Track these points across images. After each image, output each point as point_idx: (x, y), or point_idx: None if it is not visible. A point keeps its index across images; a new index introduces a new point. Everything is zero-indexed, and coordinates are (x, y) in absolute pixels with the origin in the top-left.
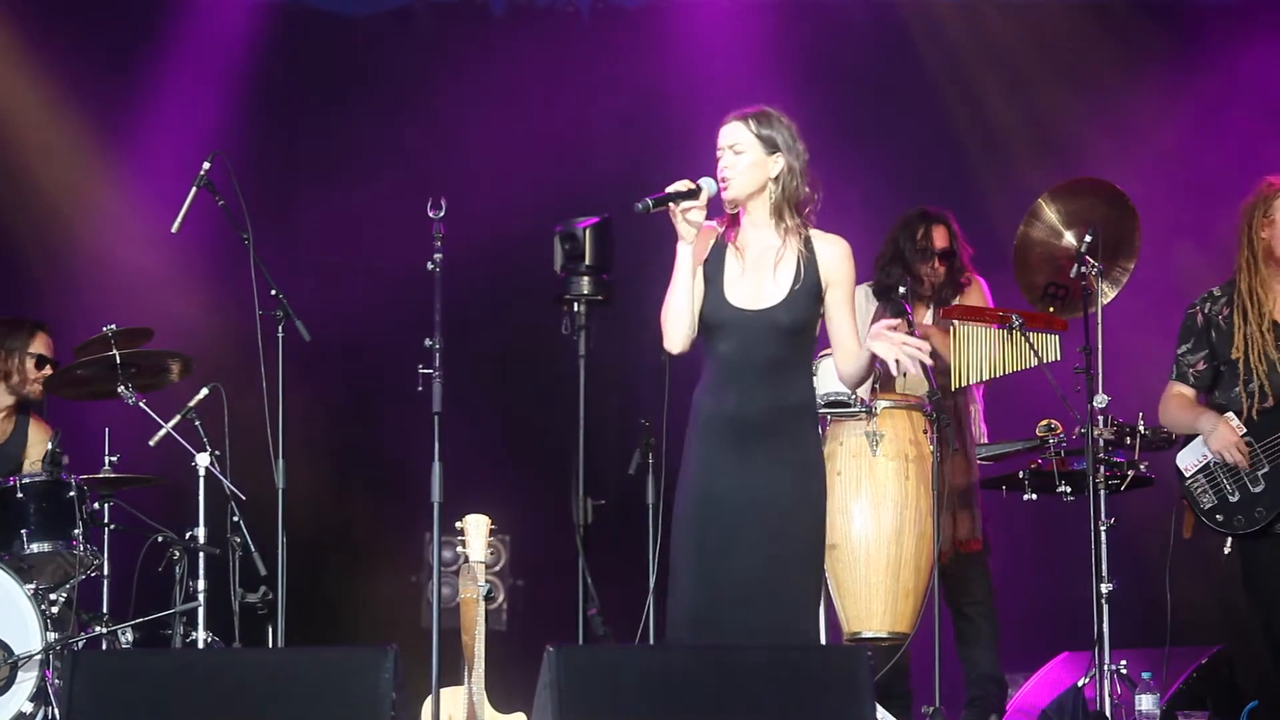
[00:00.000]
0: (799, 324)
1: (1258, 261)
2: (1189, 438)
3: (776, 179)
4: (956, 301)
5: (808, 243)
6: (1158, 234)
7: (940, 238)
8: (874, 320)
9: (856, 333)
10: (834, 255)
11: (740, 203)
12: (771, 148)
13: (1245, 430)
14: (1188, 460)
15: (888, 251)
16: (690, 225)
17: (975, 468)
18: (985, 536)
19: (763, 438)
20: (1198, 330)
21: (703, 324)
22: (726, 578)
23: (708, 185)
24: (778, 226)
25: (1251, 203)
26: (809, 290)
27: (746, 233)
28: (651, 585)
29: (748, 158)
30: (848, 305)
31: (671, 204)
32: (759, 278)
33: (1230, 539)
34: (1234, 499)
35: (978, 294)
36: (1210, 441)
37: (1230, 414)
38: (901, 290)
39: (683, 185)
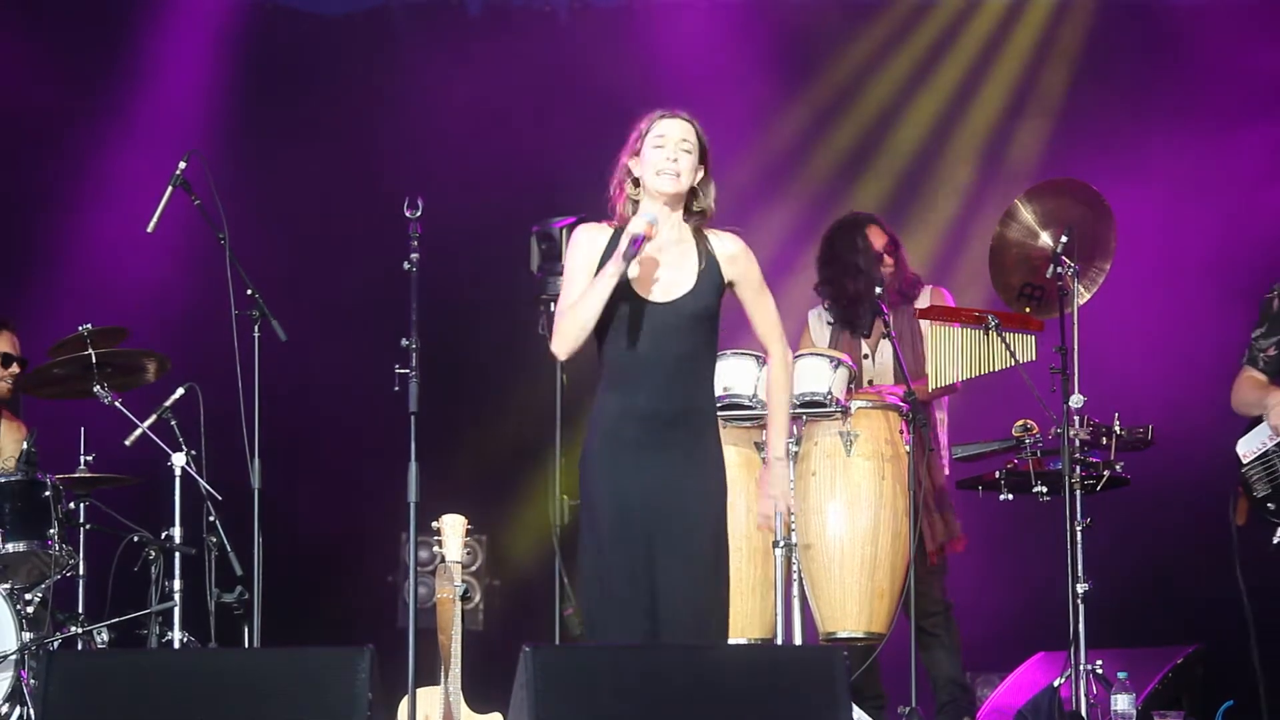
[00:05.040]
0: (708, 310)
1: None
2: (1250, 423)
3: (698, 186)
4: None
5: (705, 239)
6: (1134, 234)
7: (877, 237)
8: (832, 342)
9: (779, 323)
10: (733, 251)
11: (671, 198)
12: (702, 156)
13: None
14: (1247, 447)
15: (832, 263)
16: (634, 258)
17: (942, 470)
18: (940, 545)
19: (673, 436)
20: (1273, 315)
21: (612, 323)
22: (648, 587)
23: (654, 221)
24: (687, 229)
25: None
26: (713, 279)
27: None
28: None
29: (692, 159)
30: (761, 295)
31: (643, 245)
32: (665, 272)
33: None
34: None
35: (938, 298)
36: (1271, 415)
37: None
38: (878, 290)
39: (647, 228)
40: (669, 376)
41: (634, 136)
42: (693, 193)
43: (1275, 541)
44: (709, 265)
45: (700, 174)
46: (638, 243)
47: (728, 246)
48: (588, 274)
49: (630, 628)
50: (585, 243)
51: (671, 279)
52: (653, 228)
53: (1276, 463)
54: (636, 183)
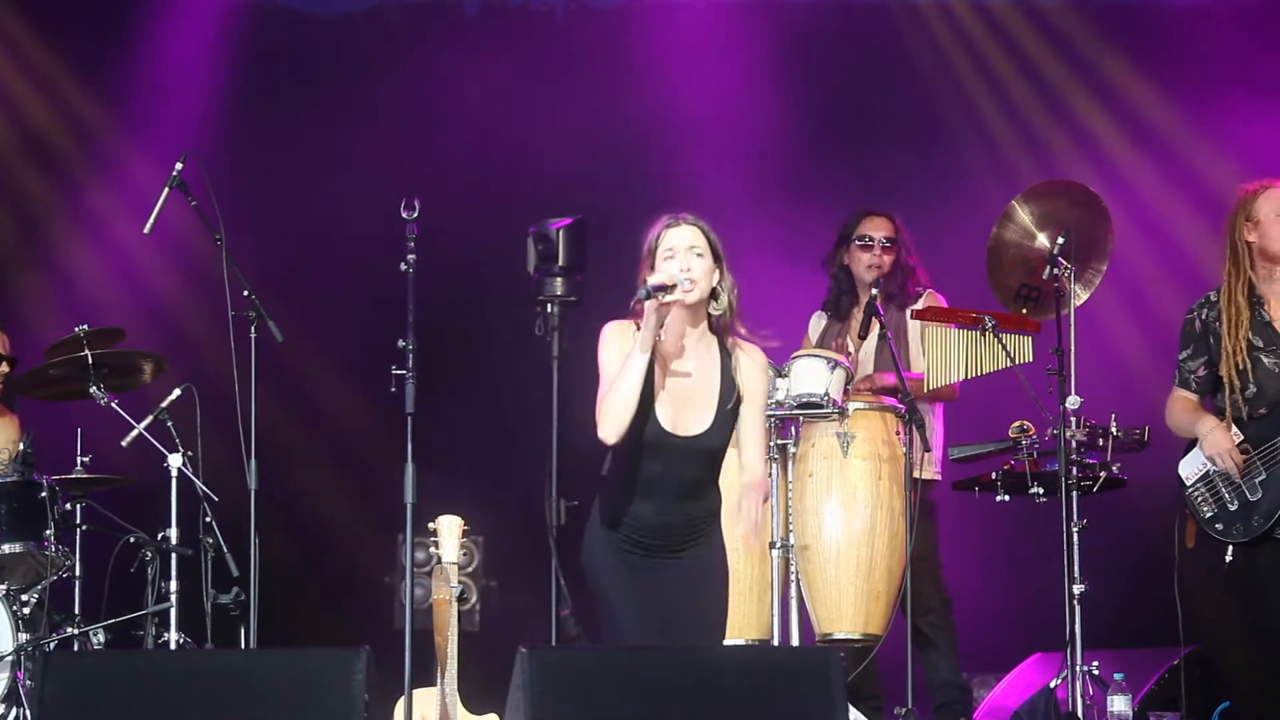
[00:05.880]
0: (722, 448)
1: (1240, 268)
2: (1189, 444)
3: (715, 293)
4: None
5: (728, 355)
6: (1130, 236)
7: (880, 227)
8: (821, 339)
9: (764, 448)
10: (752, 369)
11: (690, 309)
12: (717, 258)
13: (1242, 438)
14: (1189, 469)
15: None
16: (660, 323)
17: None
18: (935, 548)
19: (674, 549)
20: (1196, 336)
21: (630, 438)
22: (665, 624)
23: (680, 281)
24: (709, 339)
25: (1233, 211)
26: (732, 411)
27: (670, 342)
28: None
29: (706, 262)
30: (759, 418)
31: (659, 295)
32: (688, 400)
33: (1230, 548)
34: (1233, 508)
35: (932, 300)
36: (1204, 445)
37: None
38: (874, 292)
39: (669, 279)
40: (678, 496)
41: (645, 250)
42: (713, 294)
43: (1228, 560)
44: (729, 390)
45: (716, 275)
46: (658, 289)
47: (748, 362)
48: (621, 361)
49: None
50: (615, 337)
51: (692, 413)
52: (675, 281)
53: (1218, 483)
54: None
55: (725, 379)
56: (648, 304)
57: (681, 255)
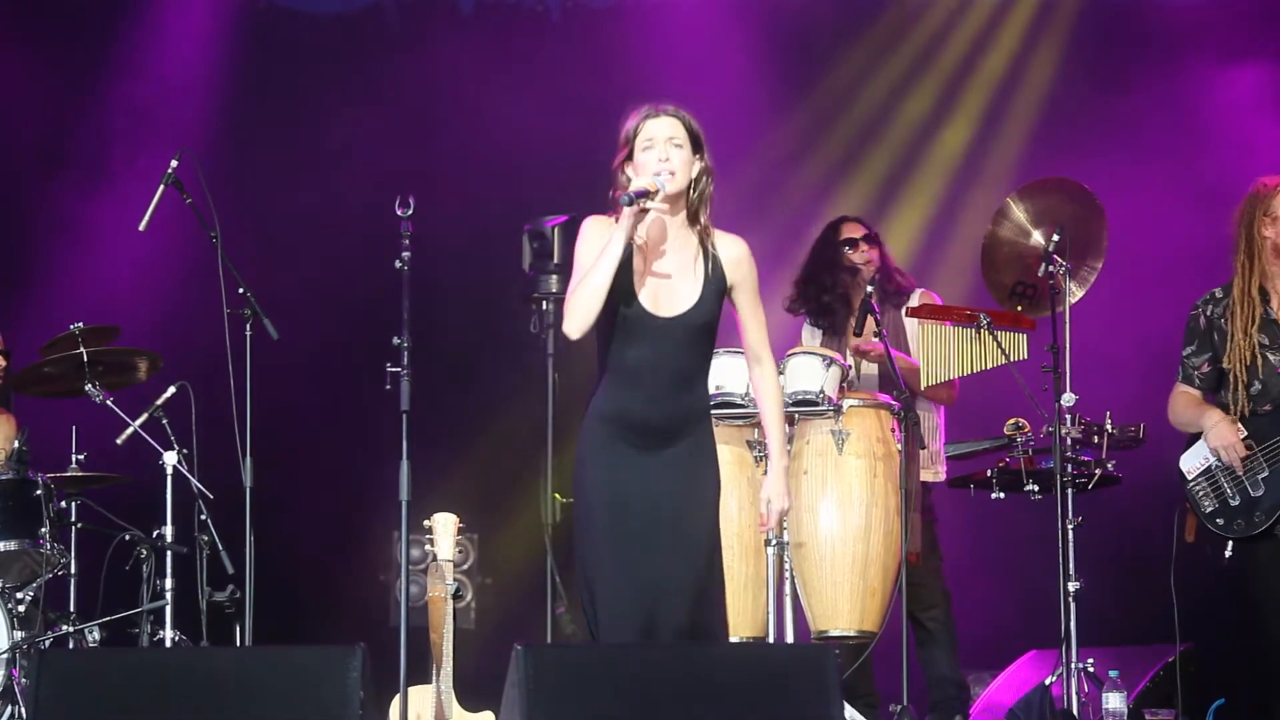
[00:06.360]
0: (710, 326)
1: (1255, 263)
2: (1190, 439)
3: (696, 180)
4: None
5: (711, 242)
6: (1126, 233)
7: (854, 229)
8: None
9: (766, 336)
10: (737, 255)
11: (671, 198)
12: (697, 147)
13: (1246, 433)
14: (1190, 463)
15: (809, 265)
16: (636, 226)
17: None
18: (936, 543)
19: (666, 440)
20: (1201, 333)
21: (613, 327)
22: (645, 578)
23: (661, 185)
24: (689, 227)
25: (1247, 205)
26: (717, 289)
27: (651, 231)
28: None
29: (685, 153)
30: (756, 304)
31: (641, 201)
32: (670, 282)
33: (1231, 543)
34: (1234, 503)
35: (926, 300)
36: (1209, 437)
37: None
38: (869, 290)
39: (650, 184)
40: (667, 386)
41: (623, 139)
42: (695, 183)
43: (1227, 555)
44: (713, 272)
45: (697, 165)
46: (640, 194)
47: (731, 249)
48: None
49: (624, 621)
50: (594, 231)
51: (675, 292)
52: (656, 186)
53: (1220, 478)
54: None
55: (709, 263)
56: (627, 210)
57: (660, 146)
